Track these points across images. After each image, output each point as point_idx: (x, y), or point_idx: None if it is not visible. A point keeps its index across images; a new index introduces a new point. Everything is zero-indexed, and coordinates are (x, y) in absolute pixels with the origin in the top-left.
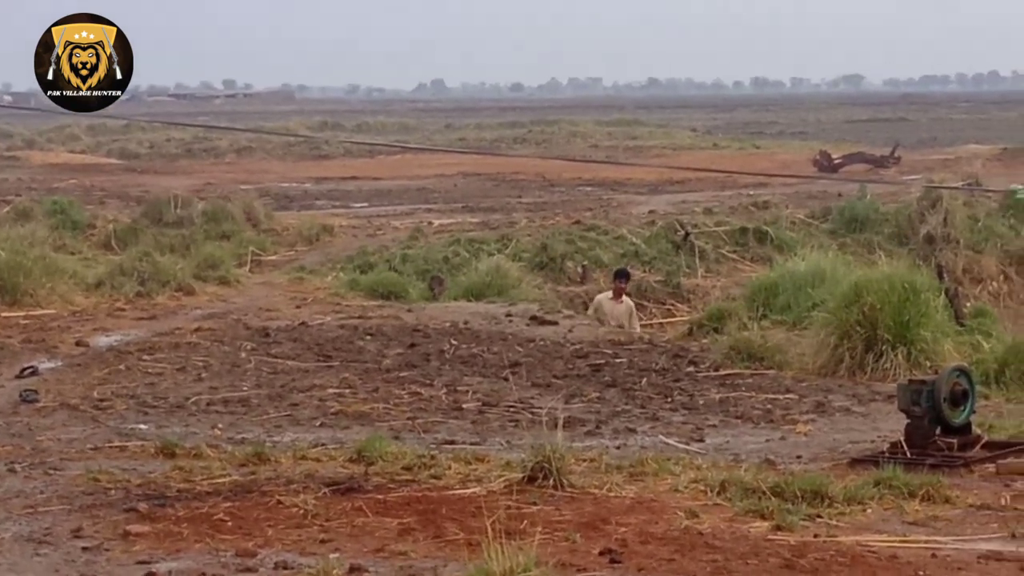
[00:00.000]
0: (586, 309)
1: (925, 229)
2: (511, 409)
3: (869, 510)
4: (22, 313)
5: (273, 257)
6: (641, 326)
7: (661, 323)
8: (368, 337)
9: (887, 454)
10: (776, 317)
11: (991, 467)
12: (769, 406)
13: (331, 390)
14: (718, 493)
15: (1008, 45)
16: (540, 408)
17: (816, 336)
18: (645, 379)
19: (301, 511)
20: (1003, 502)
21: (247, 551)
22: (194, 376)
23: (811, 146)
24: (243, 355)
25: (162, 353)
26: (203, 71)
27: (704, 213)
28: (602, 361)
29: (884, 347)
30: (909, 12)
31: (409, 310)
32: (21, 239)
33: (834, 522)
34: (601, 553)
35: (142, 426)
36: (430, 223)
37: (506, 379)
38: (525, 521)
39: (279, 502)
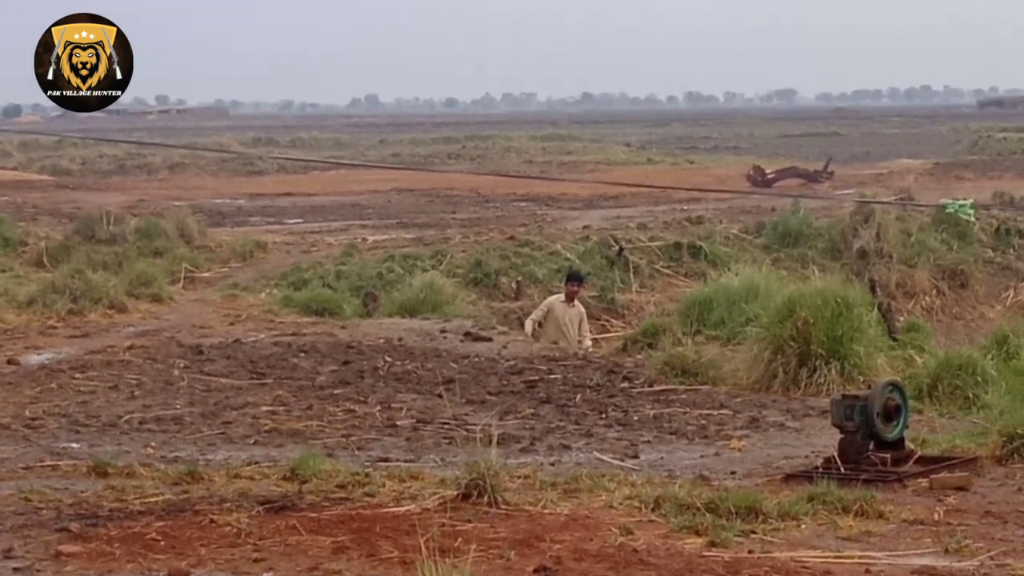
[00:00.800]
0: (520, 326)
1: (858, 244)
2: (445, 426)
3: (803, 526)
4: None
5: (206, 274)
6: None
7: (596, 338)
8: (302, 354)
9: (821, 469)
10: (710, 332)
11: (924, 482)
12: (703, 422)
13: (264, 408)
14: (652, 509)
15: (939, 59)
16: (474, 425)
17: (750, 351)
18: (579, 395)
19: (234, 530)
20: (936, 517)
21: (180, 571)
22: (127, 394)
23: (744, 161)
24: (176, 373)
25: (94, 371)
26: (136, 87)
27: (638, 228)
28: (536, 377)
29: (818, 362)
30: (841, 26)
31: (343, 327)
32: None
33: (768, 538)
34: (536, 571)
35: (74, 445)
36: (364, 239)
37: (440, 396)
38: (459, 539)
39: (212, 521)
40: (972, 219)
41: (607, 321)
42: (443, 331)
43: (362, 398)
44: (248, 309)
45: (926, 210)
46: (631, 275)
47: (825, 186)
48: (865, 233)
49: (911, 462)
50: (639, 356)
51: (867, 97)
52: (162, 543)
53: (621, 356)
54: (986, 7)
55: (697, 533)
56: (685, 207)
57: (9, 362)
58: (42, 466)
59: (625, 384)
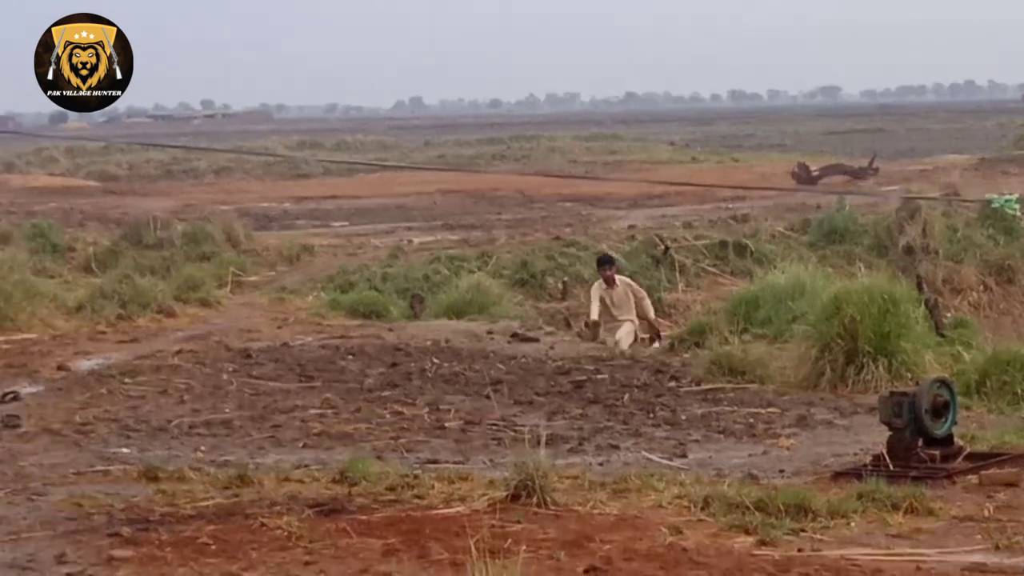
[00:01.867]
0: (568, 326)
1: (904, 240)
2: (494, 427)
3: (853, 523)
4: (2, 338)
5: (254, 278)
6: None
7: (643, 338)
8: (350, 357)
9: (870, 467)
10: (757, 331)
11: (974, 478)
12: (751, 420)
13: (313, 411)
14: (702, 508)
15: (983, 55)
16: (523, 426)
17: (797, 349)
18: (627, 395)
19: (285, 533)
20: (986, 513)
21: (231, 574)
22: (176, 399)
23: (789, 158)
24: (225, 377)
25: (144, 376)
26: (182, 92)
27: (683, 227)
28: (584, 378)
29: (865, 359)
30: (884, 24)
31: (390, 329)
32: (1, 264)
33: (818, 536)
34: (586, 571)
35: (124, 450)
36: (410, 241)
37: (488, 397)
38: (509, 540)
39: (263, 524)
40: (1018, 214)
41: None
42: (490, 332)
43: (410, 400)
44: (295, 312)
45: (972, 206)
46: (677, 274)
47: (870, 182)
48: (911, 229)
49: (960, 458)
50: (686, 355)
51: (911, 93)
52: (213, 547)
53: (669, 355)
54: None
55: (747, 532)
56: (730, 205)
57: (59, 368)
58: (93, 471)
59: (672, 383)
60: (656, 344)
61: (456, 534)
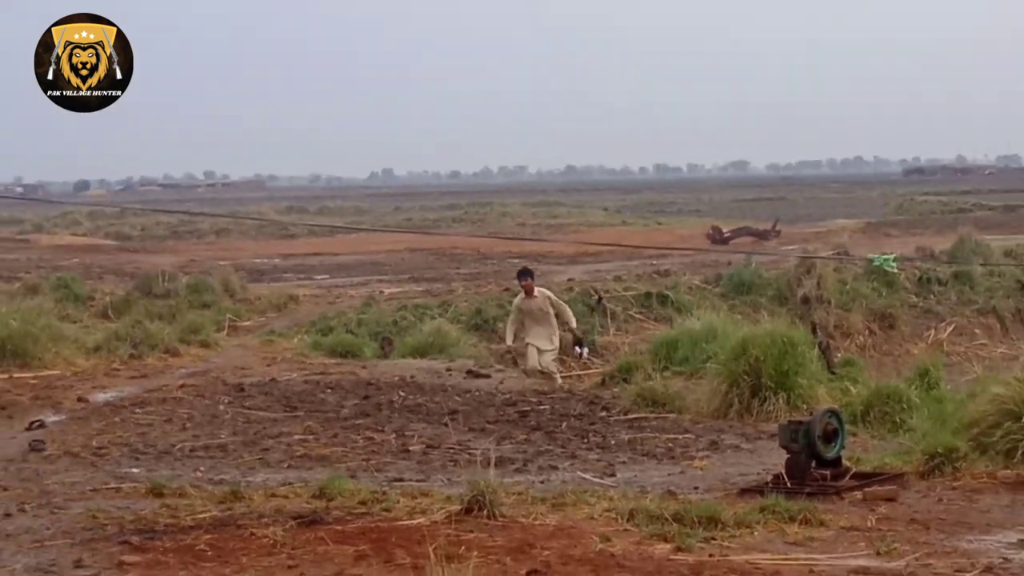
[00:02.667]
0: (515, 365)
1: (801, 292)
2: (451, 450)
3: (756, 532)
4: (31, 374)
5: (247, 323)
6: (561, 378)
7: (579, 375)
8: (328, 390)
9: (770, 484)
10: (676, 368)
11: (859, 494)
12: (670, 445)
13: (297, 436)
14: (627, 520)
15: (870, 133)
16: (476, 449)
17: (710, 384)
18: (565, 423)
19: (271, 541)
20: (869, 524)
21: None
22: (179, 426)
23: (705, 222)
24: (221, 407)
25: (151, 407)
26: (188, 164)
27: (614, 280)
28: (528, 408)
29: (767, 393)
30: (786, 103)
31: (364, 367)
32: (30, 310)
33: (726, 543)
34: (528, 573)
35: (134, 470)
36: (381, 292)
37: (446, 425)
38: (463, 547)
39: (252, 534)
40: (896, 270)
41: (589, 360)
42: (448, 369)
43: (380, 427)
44: (283, 352)
45: (859, 262)
46: (608, 320)
47: (773, 243)
48: (807, 283)
49: (847, 477)
50: (616, 389)
51: (809, 167)
52: (210, 553)
53: (600, 389)
54: (908, 88)
55: (665, 540)
56: (654, 262)
57: (79, 400)
58: (107, 488)
59: (604, 413)
60: (579, 350)
61: (418, 542)
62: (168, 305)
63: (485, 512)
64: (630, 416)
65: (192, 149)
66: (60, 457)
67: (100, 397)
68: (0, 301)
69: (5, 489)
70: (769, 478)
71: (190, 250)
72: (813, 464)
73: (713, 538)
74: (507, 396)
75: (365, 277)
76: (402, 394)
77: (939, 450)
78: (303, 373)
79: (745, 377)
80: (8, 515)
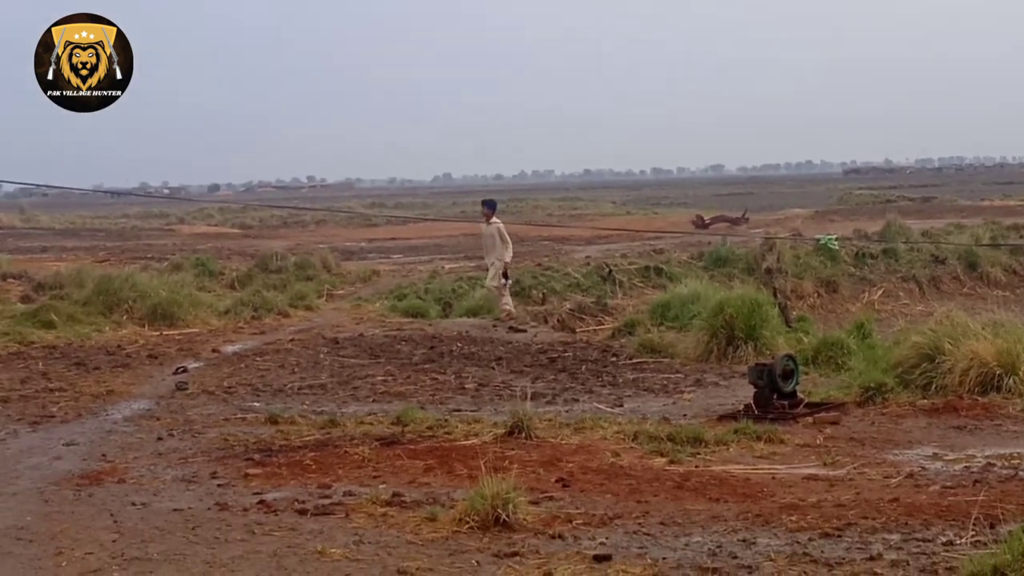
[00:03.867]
0: (545, 323)
1: (765, 264)
2: (497, 388)
3: (731, 449)
4: (176, 332)
5: (340, 291)
6: (581, 331)
7: (594, 329)
8: (403, 343)
9: (742, 412)
10: (669, 324)
11: (810, 419)
12: (665, 382)
13: (379, 378)
14: (632, 440)
15: (818, 142)
16: (516, 386)
17: (695, 336)
18: (584, 366)
19: (361, 457)
20: (818, 442)
21: (325, 484)
22: (289, 370)
23: (690, 212)
24: (321, 356)
25: (268, 356)
26: (294, 169)
27: (621, 257)
28: (556, 355)
29: (739, 342)
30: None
31: (429, 324)
32: (176, 283)
33: (708, 457)
34: (556, 480)
35: (255, 404)
36: (443, 267)
37: (493, 368)
38: (507, 461)
39: (346, 452)
40: (837, 248)
41: (601, 318)
42: (495, 326)
43: (442, 370)
44: (368, 314)
45: (809, 242)
46: (617, 287)
47: (743, 228)
48: (770, 257)
49: (801, 407)
50: (623, 340)
51: (771, 169)
52: (313, 467)
53: (611, 340)
54: (847, 104)
55: (662, 455)
56: (652, 243)
57: (213, 351)
58: (235, 418)
59: (614, 358)
60: (503, 280)
61: (472, 457)
62: (280, 278)
63: (523, 434)
64: (634, 360)
65: (298, 158)
66: (199, 394)
67: (229, 349)
68: (153, 276)
69: (158, 419)
70: (741, 407)
71: (297, 236)
72: (775, 396)
73: (698, 453)
74: (540, 346)
75: (430, 256)
76: (459, 345)
77: (872, 385)
78: (383, 329)
79: (722, 330)
80: (160, 439)
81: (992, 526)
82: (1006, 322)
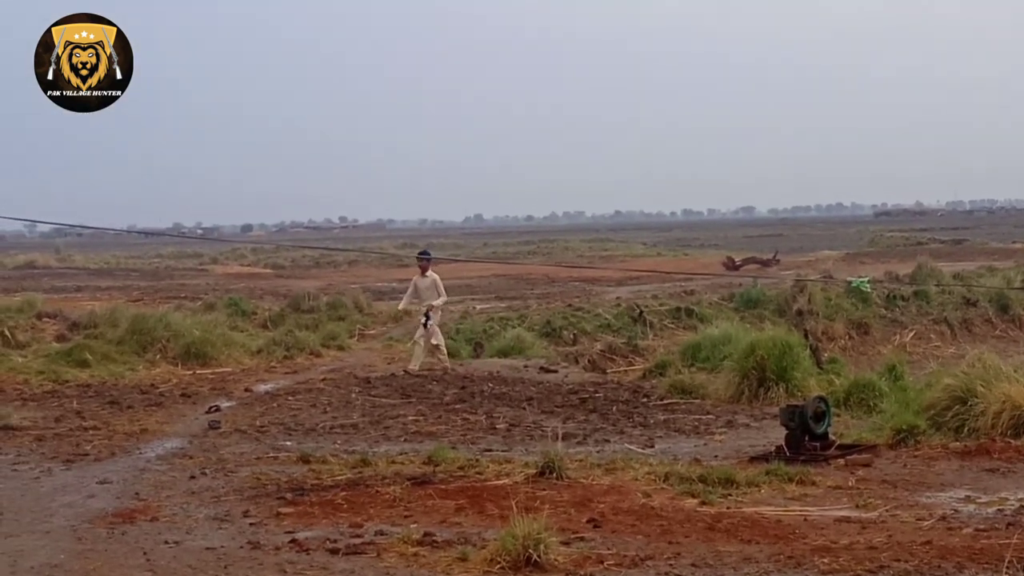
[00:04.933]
0: (576, 363)
1: (796, 306)
2: (528, 428)
3: (762, 490)
4: (210, 371)
5: (372, 331)
6: (612, 371)
7: (625, 370)
8: (434, 382)
9: (774, 453)
10: (700, 365)
11: (842, 461)
12: (696, 423)
13: (411, 417)
14: (664, 480)
15: (849, 184)
16: (547, 427)
17: (726, 377)
18: (615, 407)
19: (392, 496)
20: (850, 484)
21: (357, 524)
22: (321, 410)
23: (721, 253)
24: (353, 395)
25: (300, 395)
26: (327, 210)
27: (652, 298)
28: (587, 395)
29: (770, 383)
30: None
31: (461, 364)
32: (209, 322)
33: (740, 499)
34: (587, 521)
35: (288, 443)
36: (474, 307)
37: (524, 408)
38: (538, 501)
39: (378, 491)
40: (869, 290)
41: (632, 359)
42: (525, 366)
43: (473, 410)
44: (399, 353)
45: (840, 284)
46: (648, 328)
47: (774, 269)
48: (801, 299)
49: (833, 448)
50: (654, 381)
51: (801, 211)
52: (345, 506)
53: (642, 381)
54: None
55: (693, 496)
56: (682, 284)
57: (246, 390)
58: (267, 457)
59: (645, 399)
60: (426, 320)
61: (503, 497)
62: (312, 318)
63: (554, 475)
64: (665, 401)
65: (330, 199)
66: (231, 433)
67: (261, 388)
68: (187, 315)
69: (191, 458)
70: (772, 449)
71: (328, 276)
72: (806, 438)
73: (729, 494)
74: (571, 386)
75: (461, 296)
76: (490, 385)
77: (904, 427)
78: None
79: (753, 371)
80: (193, 477)
81: None
82: None
